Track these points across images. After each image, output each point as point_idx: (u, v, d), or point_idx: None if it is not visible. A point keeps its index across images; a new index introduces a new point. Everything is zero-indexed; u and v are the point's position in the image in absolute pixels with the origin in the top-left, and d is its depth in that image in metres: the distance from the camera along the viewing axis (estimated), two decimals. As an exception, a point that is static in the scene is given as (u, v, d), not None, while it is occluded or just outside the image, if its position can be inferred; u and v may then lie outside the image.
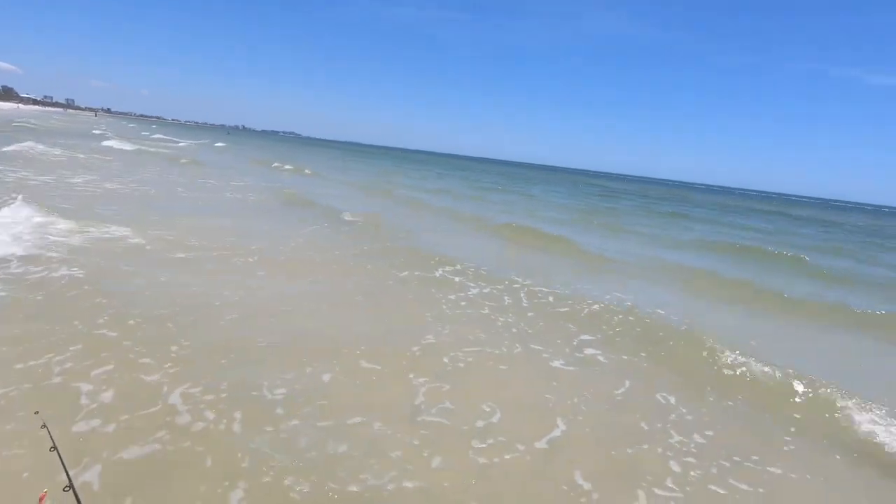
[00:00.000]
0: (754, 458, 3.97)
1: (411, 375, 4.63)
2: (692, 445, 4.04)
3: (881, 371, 6.39)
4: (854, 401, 4.78)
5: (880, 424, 4.48)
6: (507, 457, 3.59)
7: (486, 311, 6.70)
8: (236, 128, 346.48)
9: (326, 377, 4.38)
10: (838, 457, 4.16)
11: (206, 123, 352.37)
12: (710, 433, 4.25)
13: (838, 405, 4.78)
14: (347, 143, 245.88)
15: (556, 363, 5.34)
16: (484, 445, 3.70)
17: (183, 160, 24.95)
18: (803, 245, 19.33)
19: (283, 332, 5.17)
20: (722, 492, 3.50)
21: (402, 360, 4.93)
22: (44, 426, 2.25)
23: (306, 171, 27.69)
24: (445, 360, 5.03)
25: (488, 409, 4.22)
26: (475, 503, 3.11)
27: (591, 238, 14.80)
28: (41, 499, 1.99)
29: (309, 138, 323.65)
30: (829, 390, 4.97)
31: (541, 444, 3.79)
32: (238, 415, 3.66)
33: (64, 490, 1.89)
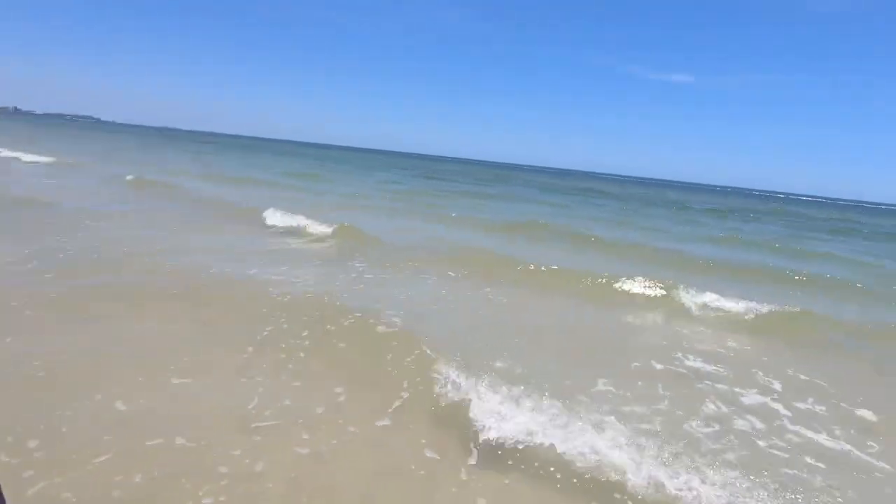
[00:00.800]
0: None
1: (244, 379, 4.17)
2: (515, 372, 4.51)
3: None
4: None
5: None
6: (338, 441, 3.46)
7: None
8: (6, 109, 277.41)
9: (121, 405, 3.61)
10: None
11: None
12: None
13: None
14: (165, 129, 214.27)
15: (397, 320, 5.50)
16: (310, 437, 3.47)
17: None
18: (589, 216, 21.33)
19: (62, 357, 4.20)
20: (543, 419, 3.80)
21: (231, 364, 4.41)
22: None
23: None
24: (283, 355, 4.66)
25: (337, 392, 4.10)
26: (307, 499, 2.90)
27: (382, 222, 13.92)
28: None
29: (112, 123, 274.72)
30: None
31: (383, 422, 3.77)
32: None
33: None
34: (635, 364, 5.35)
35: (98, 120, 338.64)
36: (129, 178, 17.73)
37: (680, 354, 5.75)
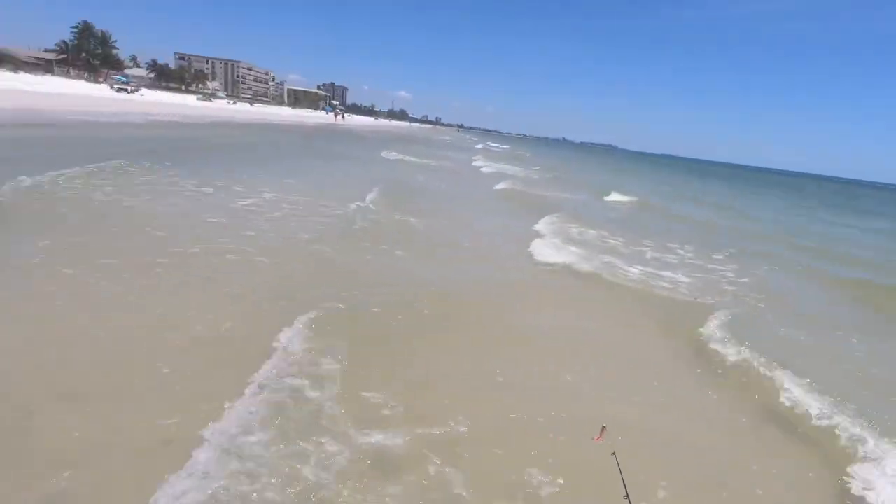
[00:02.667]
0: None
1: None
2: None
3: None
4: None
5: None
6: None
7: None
8: (557, 140, 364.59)
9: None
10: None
11: (529, 136, 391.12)
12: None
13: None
14: (696, 161, 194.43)
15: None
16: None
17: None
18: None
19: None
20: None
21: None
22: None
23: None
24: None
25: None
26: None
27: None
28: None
29: (626, 151, 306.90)
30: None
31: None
32: None
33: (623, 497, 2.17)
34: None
35: (615, 147, 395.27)
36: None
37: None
